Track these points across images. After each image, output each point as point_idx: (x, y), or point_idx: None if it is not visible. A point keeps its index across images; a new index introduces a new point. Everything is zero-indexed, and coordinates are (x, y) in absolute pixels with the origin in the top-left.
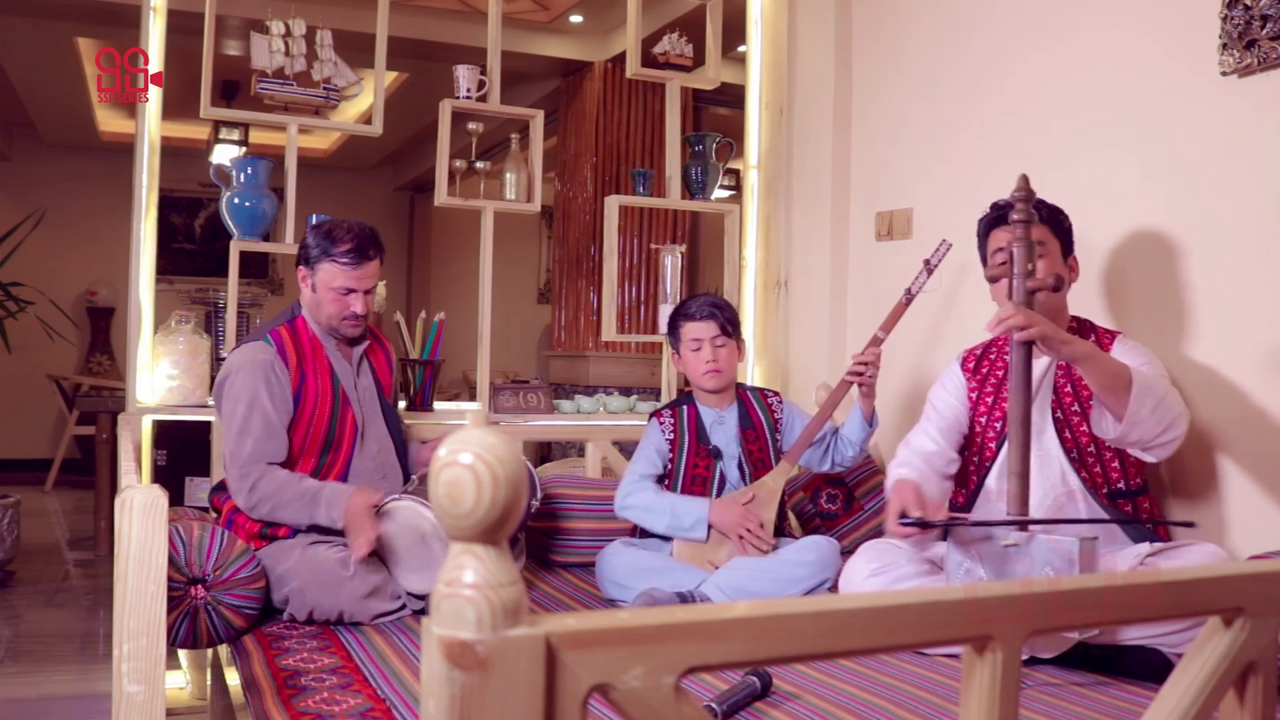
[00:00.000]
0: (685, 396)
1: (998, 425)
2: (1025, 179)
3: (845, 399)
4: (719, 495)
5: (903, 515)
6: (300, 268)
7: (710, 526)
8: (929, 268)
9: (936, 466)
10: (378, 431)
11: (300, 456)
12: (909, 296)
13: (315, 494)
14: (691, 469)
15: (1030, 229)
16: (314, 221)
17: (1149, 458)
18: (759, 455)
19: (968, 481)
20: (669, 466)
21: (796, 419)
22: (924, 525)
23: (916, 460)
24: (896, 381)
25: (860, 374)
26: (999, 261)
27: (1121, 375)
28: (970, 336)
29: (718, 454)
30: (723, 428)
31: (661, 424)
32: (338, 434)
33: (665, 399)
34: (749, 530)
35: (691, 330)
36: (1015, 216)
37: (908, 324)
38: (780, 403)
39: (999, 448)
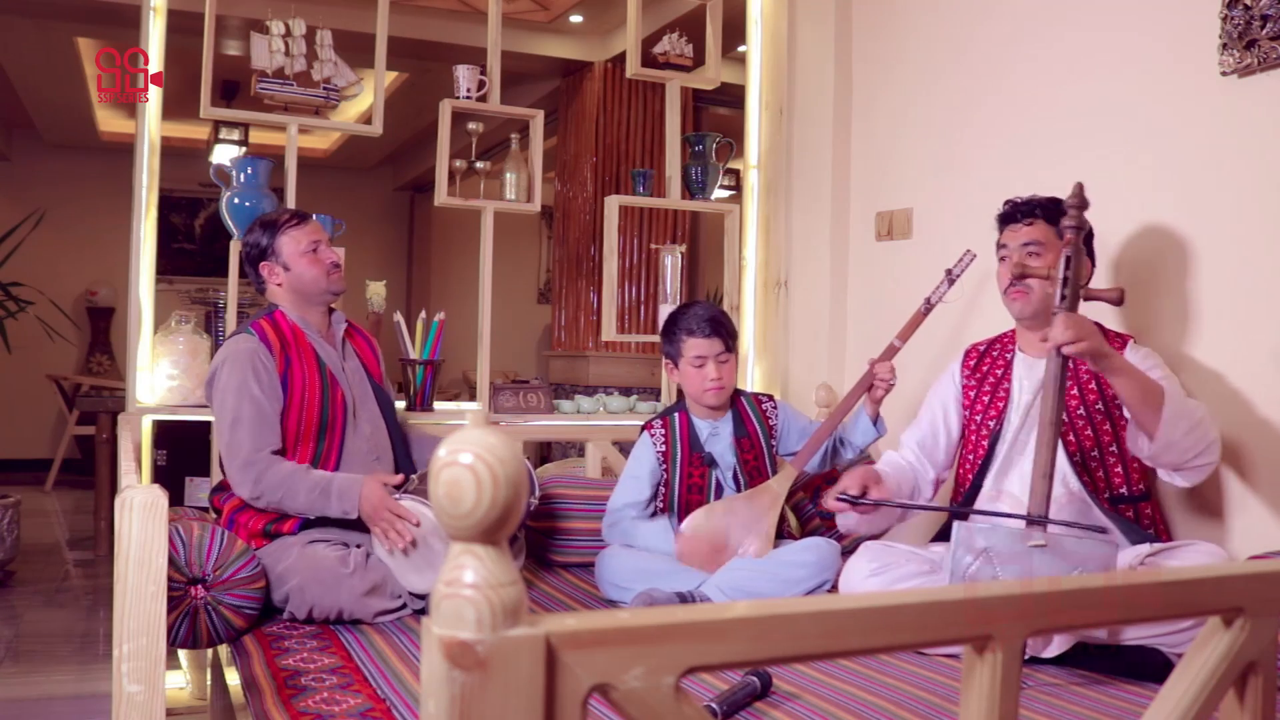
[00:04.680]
0: (677, 405)
1: (991, 424)
2: (1080, 186)
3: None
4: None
5: (842, 492)
6: (263, 265)
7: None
8: (950, 278)
9: (911, 476)
10: (370, 412)
11: (298, 442)
12: (928, 306)
13: (327, 485)
14: (686, 479)
15: (1080, 235)
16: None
17: (1180, 481)
18: (754, 464)
19: (961, 482)
20: (664, 477)
21: (792, 422)
22: (853, 502)
23: (898, 460)
24: (908, 391)
25: (881, 386)
26: (1000, 258)
27: (1154, 394)
28: (955, 326)
29: (712, 462)
30: (718, 438)
31: (652, 435)
32: (330, 415)
33: (665, 399)
34: (721, 561)
35: (695, 347)
36: (1066, 223)
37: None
38: (775, 408)
39: (991, 447)
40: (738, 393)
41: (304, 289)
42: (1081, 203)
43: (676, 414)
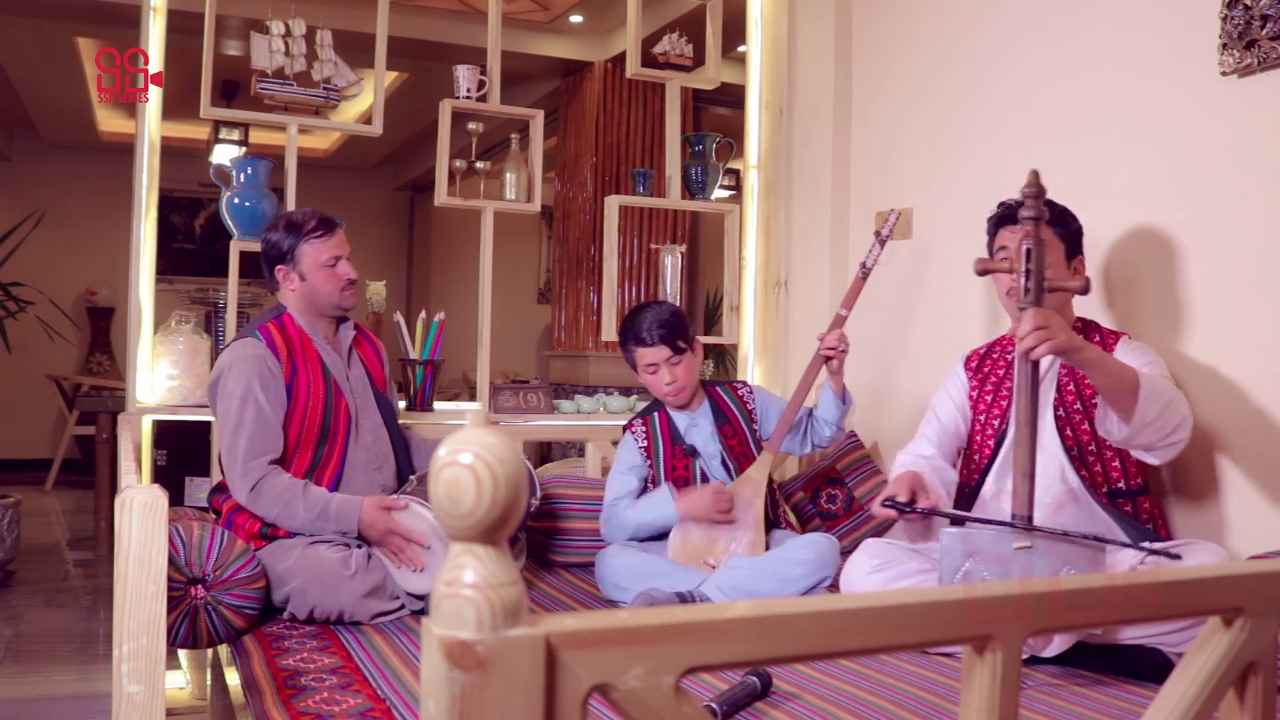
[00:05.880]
0: (656, 403)
1: (995, 424)
2: (1035, 174)
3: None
4: None
5: (890, 498)
6: (279, 268)
7: (682, 518)
8: (880, 239)
9: (938, 472)
10: (372, 421)
11: (297, 449)
12: (865, 271)
13: (324, 507)
14: (671, 471)
15: (1040, 226)
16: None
17: (1152, 459)
18: (740, 449)
19: (966, 482)
20: (649, 473)
21: (771, 405)
22: (903, 509)
23: (921, 462)
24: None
25: (832, 354)
26: (1002, 258)
27: (1128, 380)
28: (954, 323)
29: (693, 452)
30: (697, 429)
31: (634, 434)
32: (332, 424)
33: (643, 408)
34: (723, 509)
35: (644, 356)
36: (1025, 214)
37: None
38: (751, 392)
39: (996, 447)
40: (711, 384)
41: (315, 301)
42: (1039, 191)
43: (655, 411)
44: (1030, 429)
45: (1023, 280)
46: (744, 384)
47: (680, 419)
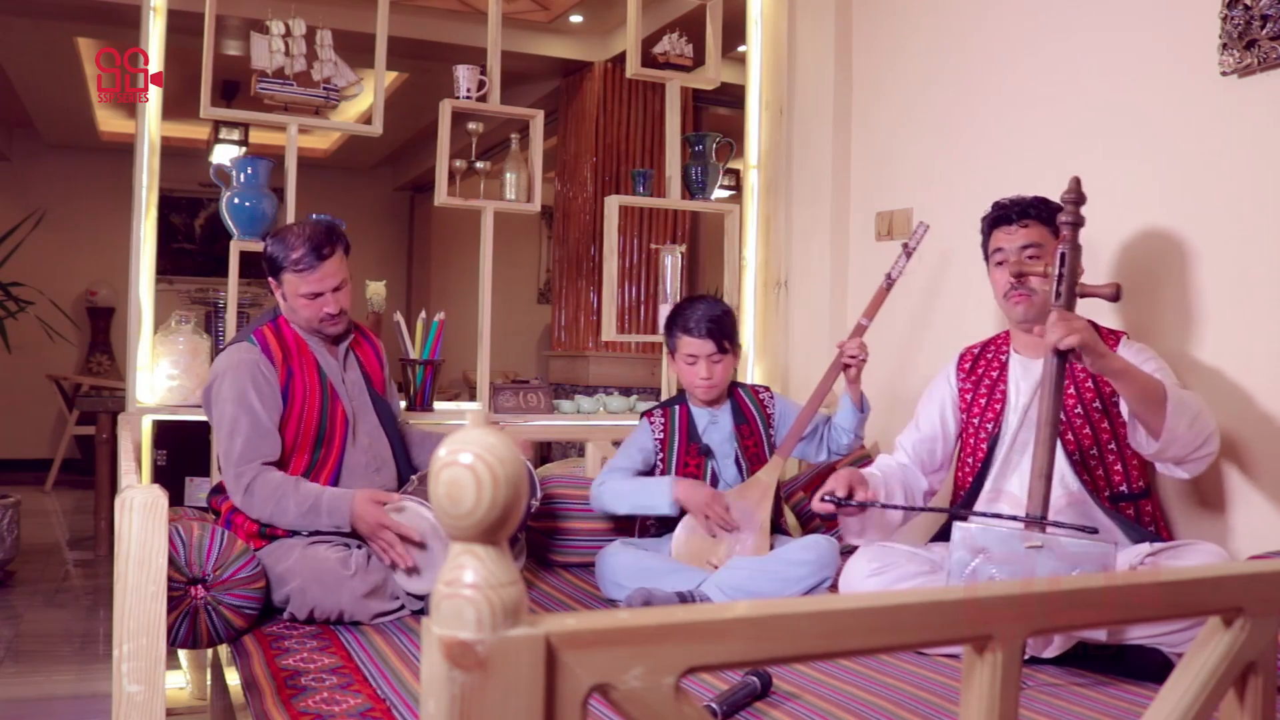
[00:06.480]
0: (678, 396)
1: (989, 427)
2: (1077, 181)
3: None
4: None
5: (829, 493)
6: (270, 279)
7: (678, 503)
8: (907, 251)
9: (906, 477)
10: (369, 425)
11: (293, 453)
12: (889, 282)
13: (315, 501)
14: (682, 467)
15: (1078, 232)
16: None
17: (1182, 473)
18: (755, 451)
19: (960, 484)
20: (659, 465)
21: (789, 413)
22: (839, 503)
23: (891, 464)
24: (882, 373)
25: (851, 363)
26: (996, 262)
27: (1155, 390)
28: (953, 325)
29: (708, 452)
30: (716, 427)
31: (652, 423)
32: (329, 428)
33: (665, 399)
34: (715, 512)
35: (688, 345)
36: (1063, 219)
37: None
38: (772, 398)
39: (990, 449)
40: (735, 385)
41: (295, 320)
42: (1079, 198)
43: (677, 405)
44: (1052, 430)
45: (1055, 284)
46: (766, 389)
47: (701, 416)
